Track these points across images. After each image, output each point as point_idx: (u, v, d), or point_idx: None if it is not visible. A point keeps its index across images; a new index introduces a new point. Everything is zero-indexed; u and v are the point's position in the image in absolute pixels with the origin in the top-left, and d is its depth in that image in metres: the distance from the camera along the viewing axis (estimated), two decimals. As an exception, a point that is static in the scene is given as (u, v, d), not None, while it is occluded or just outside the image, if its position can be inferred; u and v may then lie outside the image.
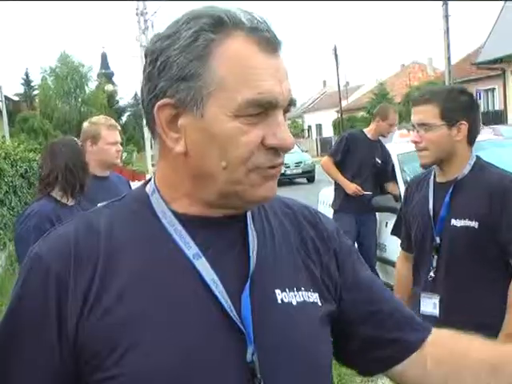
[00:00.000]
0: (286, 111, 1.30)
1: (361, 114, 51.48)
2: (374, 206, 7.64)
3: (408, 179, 7.48)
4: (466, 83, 32.38)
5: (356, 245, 7.44)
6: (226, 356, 1.24)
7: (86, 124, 4.96)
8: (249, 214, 1.38)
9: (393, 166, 7.82)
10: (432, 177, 3.19)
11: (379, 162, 7.84)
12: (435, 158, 3.04)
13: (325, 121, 61.35)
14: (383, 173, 7.93)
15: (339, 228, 1.57)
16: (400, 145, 8.43)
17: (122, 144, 5.06)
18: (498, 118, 31.89)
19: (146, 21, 29.48)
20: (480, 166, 3.09)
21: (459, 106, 3.01)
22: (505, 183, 2.98)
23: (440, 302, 3.06)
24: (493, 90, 37.24)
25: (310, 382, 1.32)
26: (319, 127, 65.79)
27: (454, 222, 3.00)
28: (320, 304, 1.39)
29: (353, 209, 7.72)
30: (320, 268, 1.44)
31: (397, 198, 7.51)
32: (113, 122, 4.97)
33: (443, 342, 1.51)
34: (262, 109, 1.24)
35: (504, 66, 32.05)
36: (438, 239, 3.05)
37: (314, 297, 1.38)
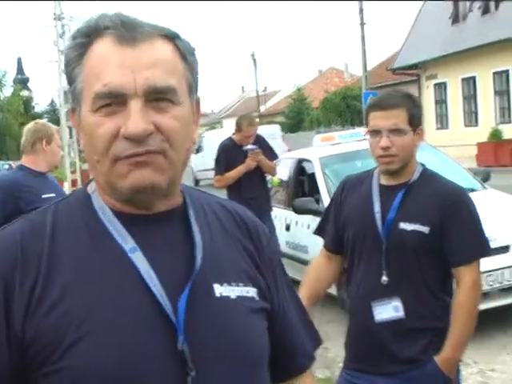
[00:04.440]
0: (151, 99, 1.28)
1: (279, 119, 51.67)
2: (296, 208, 7.77)
3: (330, 182, 7.66)
4: (382, 88, 33.00)
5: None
6: (159, 342, 1.28)
7: (37, 124, 5.07)
8: (191, 211, 1.43)
9: (271, 148, 8.29)
10: (373, 179, 3.14)
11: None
12: (402, 164, 3.00)
13: (244, 126, 61.26)
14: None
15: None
16: (321, 148, 8.61)
17: None
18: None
19: (63, 25, 29.03)
20: (430, 173, 3.12)
21: (420, 111, 3.10)
22: (459, 194, 3.05)
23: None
24: (408, 95, 37.90)
25: (244, 374, 1.37)
26: (239, 132, 65.67)
27: (402, 225, 2.96)
28: (258, 299, 1.44)
29: None
30: (257, 267, 1.49)
31: (317, 199, 7.67)
32: None
33: None
34: (112, 99, 1.28)
35: (419, 72, 32.82)
36: (384, 242, 3.00)
37: (252, 291, 1.43)
